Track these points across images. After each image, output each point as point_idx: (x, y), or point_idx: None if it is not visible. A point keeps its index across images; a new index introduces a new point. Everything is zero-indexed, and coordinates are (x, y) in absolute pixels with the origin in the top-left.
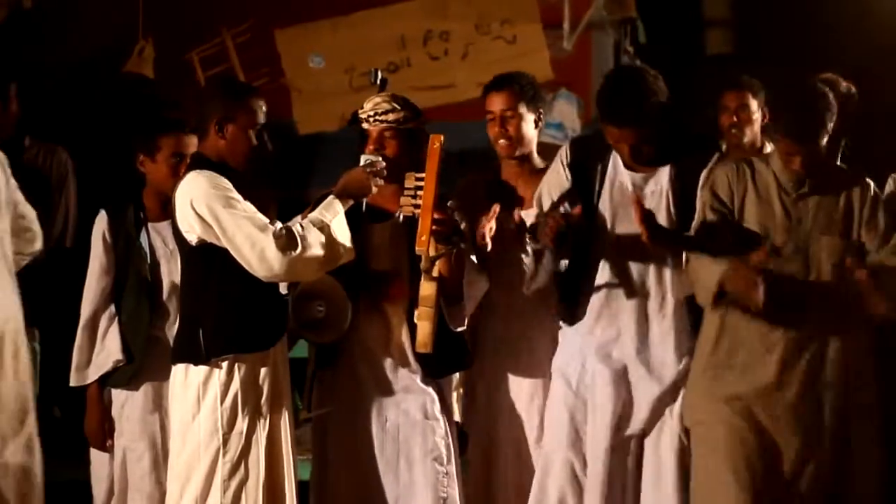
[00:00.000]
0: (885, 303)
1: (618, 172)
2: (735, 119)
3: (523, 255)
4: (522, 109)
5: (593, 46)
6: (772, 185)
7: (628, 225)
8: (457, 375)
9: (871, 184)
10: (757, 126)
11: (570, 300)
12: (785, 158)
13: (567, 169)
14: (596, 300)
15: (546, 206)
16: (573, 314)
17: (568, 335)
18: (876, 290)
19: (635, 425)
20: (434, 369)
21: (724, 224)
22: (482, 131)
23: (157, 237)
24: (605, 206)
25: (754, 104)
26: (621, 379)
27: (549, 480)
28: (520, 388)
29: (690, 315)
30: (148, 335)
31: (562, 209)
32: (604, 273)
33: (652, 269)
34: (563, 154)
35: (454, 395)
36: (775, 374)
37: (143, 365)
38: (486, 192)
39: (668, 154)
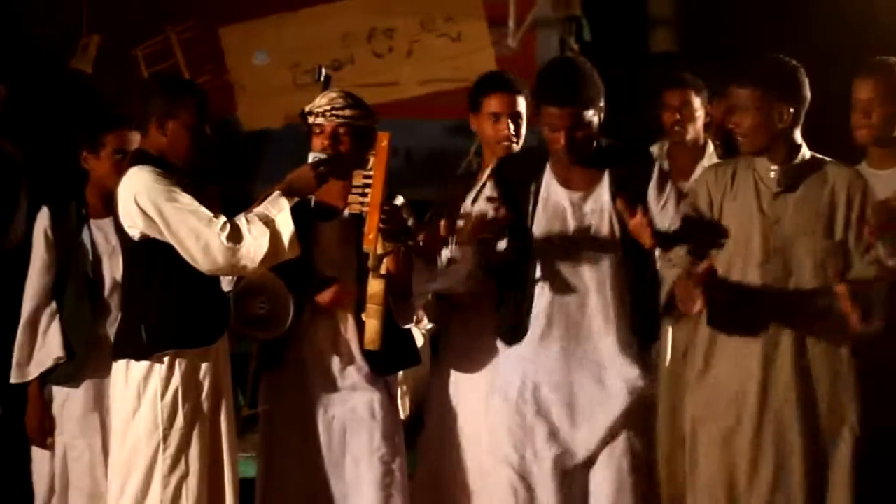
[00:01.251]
0: (861, 320)
1: (551, 192)
2: (678, 117)
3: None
4: (524, 110)
5: (538, 44)
6: (751, 184)
7: (563, 244)
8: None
9: (865, 181)
10: (700, 123)
11: (510, 321)
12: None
13: (498, 189)
14: (537, 322)
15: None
16: (513, 335)
17: (510, 357)
18: (853, 306)
19: (587, 445)
20: (382, 366)
21: (695, 222)
22: (427, 128)
23: (99, 234)
24: (539, 227)
25: (697, 101)
26: (569, 403)
27: (488, 496)
28: (478, 389)
29: (642, 329)
30: (89, 332)
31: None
32: (543, 294)
33: (593, 288)
34: (495, 174)
35: (399, 391)
36: (754, 389)
37: (85, 362)
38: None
39: (603, 163)
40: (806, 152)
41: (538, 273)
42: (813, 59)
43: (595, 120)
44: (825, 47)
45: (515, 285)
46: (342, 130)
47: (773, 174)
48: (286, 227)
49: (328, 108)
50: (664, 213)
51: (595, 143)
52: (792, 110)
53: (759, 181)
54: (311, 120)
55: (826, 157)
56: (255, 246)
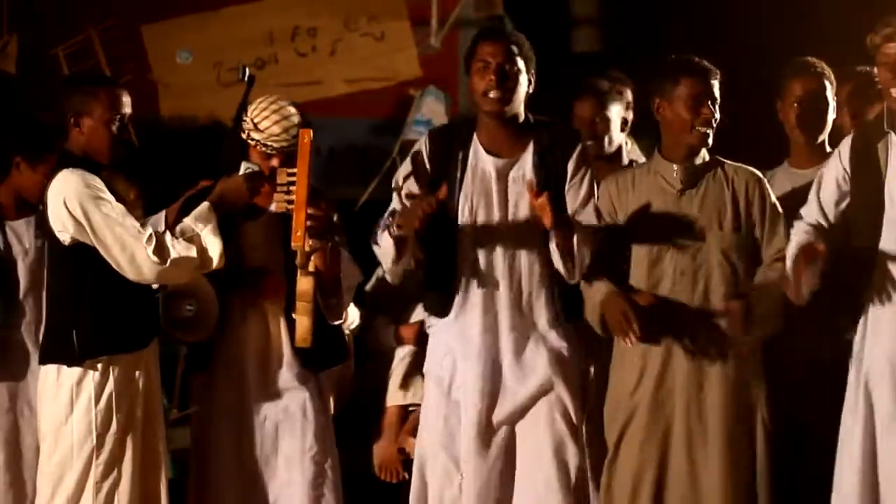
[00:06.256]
0: (743, 329)
1: (479, 159)
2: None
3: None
4: None
5: (461, 44)
6: (654, 187)
7: (490, 212)
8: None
9: (760, 179)
10: (614, 130)
11: (438, 292)
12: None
13: (428, 160)
14: (462, 292)
15: (405, 192)
16: (443, 306)
17: (437, 332)
18: (742, 319)
19: (500, 417)
20: (313, 363)
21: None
22: (350, 127)
23: (12, 235)
24: (466, 194)
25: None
26: (490, 375)
27: (426, 483)
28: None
29: (566, 300)
30: (3, 335)
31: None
32: (468, 263)
33: (517, 257)
34: (423, 145)
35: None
36: (650, 394)
37: None
38: None
39: (528, 133)
40: (705, 153)
41: (464, 241)
42: (736, 58)
43: (523, 71)
44: (748, 46)
45: (443, 255)
46: (292, 150)
47: (675, 173)
48: (213, 243)
49: (286, 144)
50: (576, 191)
51: (522, 117)
52: None
53: (663, 181)
54: (264, 150)
55: (721, 159)
56: (180, 262)
